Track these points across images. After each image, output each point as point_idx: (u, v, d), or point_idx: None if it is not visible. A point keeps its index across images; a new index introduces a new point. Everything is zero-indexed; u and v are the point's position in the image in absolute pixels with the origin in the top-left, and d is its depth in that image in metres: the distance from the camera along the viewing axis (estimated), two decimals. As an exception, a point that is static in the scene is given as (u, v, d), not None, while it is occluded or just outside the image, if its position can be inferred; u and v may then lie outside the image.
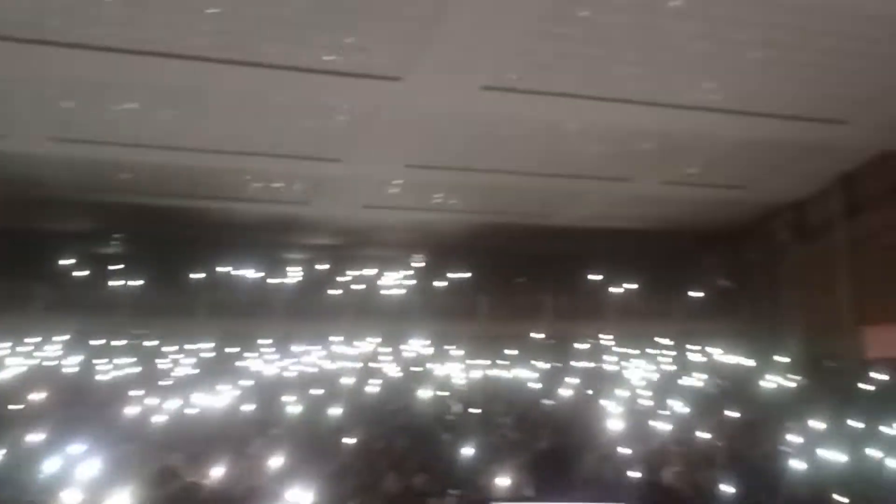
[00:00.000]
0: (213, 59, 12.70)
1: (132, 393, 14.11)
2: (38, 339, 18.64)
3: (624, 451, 10.23)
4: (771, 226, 23.26)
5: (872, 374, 16.28)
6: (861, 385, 16.30)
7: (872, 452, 10.27)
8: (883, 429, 11.65)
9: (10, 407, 12.95)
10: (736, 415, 13.55)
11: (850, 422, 12.38)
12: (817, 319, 20.54)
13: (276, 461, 9.07)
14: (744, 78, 13.76)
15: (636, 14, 12.06)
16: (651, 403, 14.44)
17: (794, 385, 16.93)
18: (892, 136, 16.48)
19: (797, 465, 9.36)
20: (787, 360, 19.07)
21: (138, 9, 11.39)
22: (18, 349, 17.87)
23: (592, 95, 14.23)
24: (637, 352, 21.33)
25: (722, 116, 15.22)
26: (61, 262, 21.03)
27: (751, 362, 19.86)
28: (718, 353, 21.07)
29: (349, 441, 11.53)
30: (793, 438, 11.09)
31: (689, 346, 21.56)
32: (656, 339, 22.39)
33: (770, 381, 16.58)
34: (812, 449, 10.15)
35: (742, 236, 24.74)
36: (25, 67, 12.85)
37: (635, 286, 25.84)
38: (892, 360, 16.47)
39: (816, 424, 11.70)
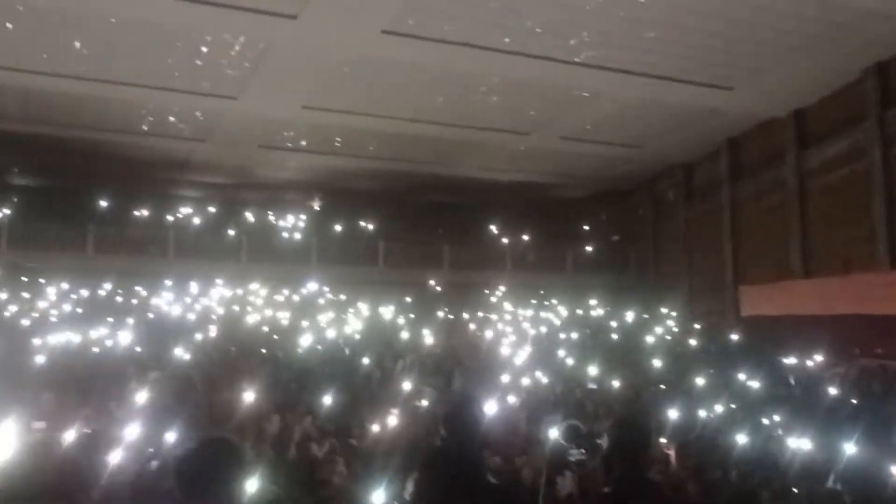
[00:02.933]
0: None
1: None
2: None
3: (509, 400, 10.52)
4: (661, 185, 24.10)
5: (745, 330, 17.29)
6: (735, 340, 17.31)
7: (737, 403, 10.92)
8: (748, 381, 12.43)
9: None
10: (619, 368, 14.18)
11: (723, 375, 13.20)
12: (699, 277, 21.55)
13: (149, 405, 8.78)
14: (637, 38, 13.98)
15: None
16: (539, 353, 14.78)
17: (674, 339, 17.76)
18: (774, 104, 17.21)
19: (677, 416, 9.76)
20: (670, 314, 19.98)
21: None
22: None
23: (491, 47, 14.16)
24: (530, 301, 21.84)
25: (617, 76, 15.45)
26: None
27: (636, 316, 20.70)
28: (607, 306, 21.82)
29: (238, 384, 11.55)
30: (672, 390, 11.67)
31: (578, 297, 22.23)
32: (548, 289, 22.97)
33: (653, 336, 17.27)
34: (690, 399, 10.68)
35: (634, 194, 25.56)
36: None
37: (530, 237, 26.46)
38: (761, 318, 17.48)
39: (694, 377, 12.25)
